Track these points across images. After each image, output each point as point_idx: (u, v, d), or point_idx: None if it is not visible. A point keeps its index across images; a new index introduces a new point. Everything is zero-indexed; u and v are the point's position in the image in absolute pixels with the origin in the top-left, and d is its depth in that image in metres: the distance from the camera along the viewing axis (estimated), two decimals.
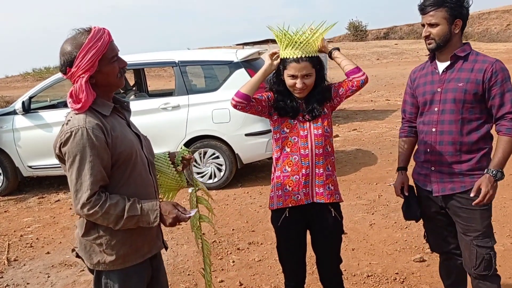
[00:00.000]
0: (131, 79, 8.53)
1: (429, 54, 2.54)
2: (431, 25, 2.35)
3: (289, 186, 2.44)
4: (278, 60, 2.42)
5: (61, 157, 1.86)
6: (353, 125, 10.15)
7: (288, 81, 2.40)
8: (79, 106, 1.82)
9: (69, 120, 1.84)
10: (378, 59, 30.98)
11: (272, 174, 2.55)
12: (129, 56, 6.77)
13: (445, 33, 2.35)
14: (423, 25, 2.41)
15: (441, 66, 2.45)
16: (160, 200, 2.15)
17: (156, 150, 2.24)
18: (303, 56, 2.34)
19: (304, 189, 2.42)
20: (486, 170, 2.35)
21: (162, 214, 1.87)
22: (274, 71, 2.46)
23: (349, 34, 46.82)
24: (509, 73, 2.40)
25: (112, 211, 1.79)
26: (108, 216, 1.79)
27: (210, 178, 6.10)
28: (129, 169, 1.91)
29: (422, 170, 2.57)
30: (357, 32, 46.19)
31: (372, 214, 4.84)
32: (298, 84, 2.36)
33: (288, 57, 2.36)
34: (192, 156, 2.23)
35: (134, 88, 8.06)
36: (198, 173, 6.10)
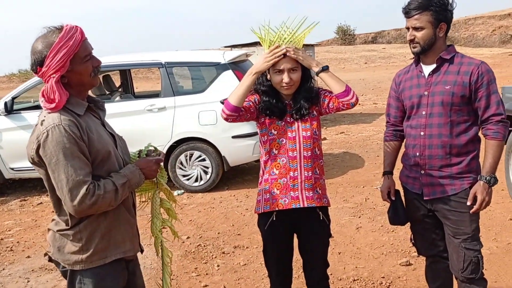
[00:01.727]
0: (117, 80, 8.43)
1: (413, 58, 2.52)
2: (416, 28, 2.32)
3: (277, 189, 2.39)
4: (279, 59, 2.26)
5: (36, 161, 1.80)
6: (340, 128, 10.16)
7: (275, 78, 2.33)
8: (53, 105, 1.77)
9: (43, 120, 1.79)
10: (366, 63, 31.17)
11: (260, 178, 2.50)
12: (115, 57, 6.70)
13: (430, 37, 2.33)
14: (407, 29, 2.38)
15: (427, 69, 2.43)
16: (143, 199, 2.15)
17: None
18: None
19: (292, 192, 2.37)
20: (479, 176, 2.35)
21: (142, 169, 1.93)
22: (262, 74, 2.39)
23: (337, 38, 47.13)
24: (494, 75, 2.39)
25: (108, 188, 1.79)
26: (108, 194, 1.78)
27: (196, 180, 6.03)
28: (105, 169, 1.87)
29: (411, 173, 2.54)
30: (346, 36, 46.53)
31: (359, 217, 4.82)
32: (285, 79, 2.29)
33: None
34: (159, 152, 2.12)
35: (120, 89, 7.96)
36: (184, 176, 6.03)
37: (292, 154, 2.36)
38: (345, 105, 2.31)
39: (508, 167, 4.97)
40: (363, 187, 5.84)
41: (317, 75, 2.34)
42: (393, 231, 4.34)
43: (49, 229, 1.97)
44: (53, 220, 1.96)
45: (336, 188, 5.84)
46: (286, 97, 2.42)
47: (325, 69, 2.33)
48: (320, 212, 2.42)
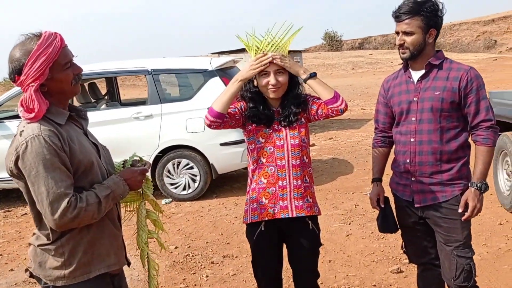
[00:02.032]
0: (103, 88, 8.34)
1: (402, 63, 2.49)
2: (406, 33, 2.29)
3: (265, 199, 2.33)
4: (265, 67, 2.22)
5: (15, 174, 1.73)
6: (329, 134, 10.16)
7: (261, 80, 2.28)
8: (32, 115, 1.70)
9: (22, 131, 1.72)
10: (353, 68, 31.37)
11: (248, 187, 2.44)
12: (101, 64, 6.62)
13: (419, 42, 2.30)
14: (397, 33, 2.34)
15: (416, 75, 2.40)
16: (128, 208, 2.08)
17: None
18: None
19: (281, 201, 2.32)
20: (470, 183, 2.33)
21: (126, 180, 1.87)
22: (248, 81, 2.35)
23: (325, 44, 47.42)
24: (483, 80, 2.37)
25: (90, 200, 1.72)
26: (91, 206, 1.71)
27: (184, 189, 5.95)
28: (88, 180, 1.80)
29: (401, 180, 2.51)
30: (333, 42, 46.85)
31: (349, 224, 4.78)
32: (272, 80, 2.24)
33: None
34: (145, 163, 2.06)
35: (106, 97, 7.87)
36: (171, 184, 5.95)
37: (280, 163, 2.31)
38: (334, 112, 2.27)
39: (497, 172, 4.98)
40: (353, 193, 5.81)
41: (305, 82, 2.30)
42: (383, 238, 4.30)
43: (29, 244, 1.90)
44: (34, 234, 1.89)
45: (326, 194, 5.80)
46: (274, 104, 2.37)
47: (313, 75, 2.28)
48: (309, 221, 2.37)
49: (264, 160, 2.33)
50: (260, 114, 2.33)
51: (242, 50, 10.62)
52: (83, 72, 1.90)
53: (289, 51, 2.36)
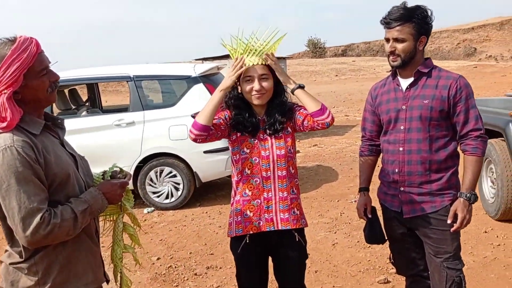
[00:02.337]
0: (84, 94, 8.18)
1: (390, 70, 2.45)
2: (397, 40, 2.24)
3: (250, 212, 2.25)
4: (241, 71, 2.16)
5: None
6: (313, 141, 10.13)
7: (245, 86, 2.20)
8: (4, 124, 1.60)
9: None
10: (336, 75, 31.56)
11: (231, 198, 2.36)
12: (82, 70, 6.48)
13: (410, 50, 2.25)
14: (387, 40, 2.29)
15: (404, 82, 2.36)
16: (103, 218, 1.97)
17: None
18: (259, 63, 2.18)
19: (266, 214, 2.24)
20: (459, 193, 2.29)
21: (105, 193, 1.77)
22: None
23: (308, 51, 47.68)
24: (472, 89, 2.34)
25: (66, 216, 1.62)
26: (66, 222, 1.61)
27: (167, 197, 5.83)
28: (64, 193, 1.70)
29: (389, 190, 2.45)
30: (316, 49, 47.11)
31: (335, 233, 4.72)
32: (256, 86, 2.17)
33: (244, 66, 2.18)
34: (126, 174, 1.96)
35: (87, 104, 7.70)
36: (154, 193, 5.82)
37: (265, 174, 2.23)
38: (320, 125, 2.20)
39: (481, 179, 4.98)
40: (338, 201, 5.76)
41: (293, 92, 2.24)
42: (369, 247, 4.24)
43: (1, 262, 1.79)
44: (6, 251, 1.78)
45: (311, 202, 5.74)
46: (259, 112, 2.30)
47: (302, 86, 2.23)
48: (296, 234, 2.30)
49: (248, 172, 2.25)
50: (245, 122, 2.25)
51: (226, 56, 10.55)
52: (63, 78, 1.81)
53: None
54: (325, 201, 5.81)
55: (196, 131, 2.15)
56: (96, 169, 2.00)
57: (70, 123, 6.11)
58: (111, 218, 2.01)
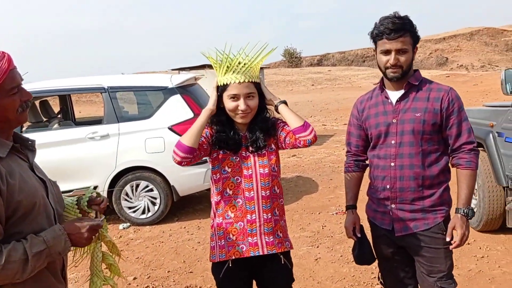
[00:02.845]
0: (56, 105, 7.91)
1: (377, 83, 2.36)
2: (401, 51, 2.14)
3: (233, 235, 2.10)
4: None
5: None
6: (292, 151, 10.03)
7: (229, 104, 2.07)
8: None
9: None
10: (313, 85, 31.77)
11: (211, 221, 2.20)
12: (54, 81, 6.24)
13: (411, 60, 2.18)
14: (386, 52, 2.16)
15: (394, 95, 2.26)
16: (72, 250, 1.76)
17: (82, 184, 1.84)
18: (246, 81, 2.06)
19: (250, 238, 2.10)
20: (456, 209, 2.21)
21: (70, 235, 1.57)
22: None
23: (284, 60, 47.96)
24: (462, 101, 2.27)
25: (13, 257, 1.42)
26: (12, 264, 1.42)
27: (143, 212, 5.62)
28: (29, 223, 1.53)
29: (379, 207, 2.35)
30: (292, 59, 47.44)
31: (317, 247, 4.61)
32: (241, 105, 2.05)
33: (228, 83, 2.07)
34: (103, 199, 1.80)
35: (59, 116, 7.44)
36: (130, 208, 5.61)
37: (248, 195, 2.09)
38: (302, 142, 2.08)
39: None
40: (319, 213, 5.66)
41: (276, 109, 2.14)
42: (353, 261, 4.14)
43: None
44: None
45: (292, 215, 5.62)
46: (241, 128, 2.16)
47: (285, 102, 2.14)
48: (281, 256, 2.17)
49: (230, 192, 2.11)
50: (228, 139, 2.12)
51: (203, 67, 10.41)
52: (34, 90, 1.65)
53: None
54: (306, 213, 5.71)
55: (182, 153, 2.01)
56: (69, 185, 1.83)
57: (41, 137, 5.98)
58: (87, 249, 1.84)
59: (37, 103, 7.03)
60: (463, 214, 2.18)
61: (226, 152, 2.13)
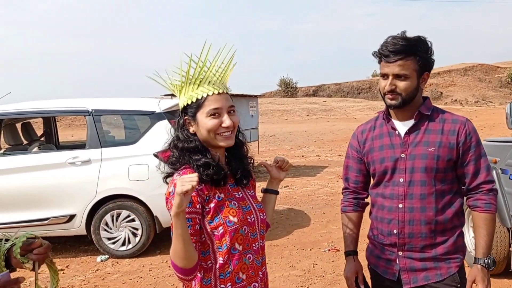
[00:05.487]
0: (39, 128, 7.61)
1: (381, 111, 2.07)
2: (399, 76, 1.87)
3: None
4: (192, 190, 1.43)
5: None
6: (284, 182, 9.70)
7: (209, 123, 1.61)
8: None
9: None
10: (308, 115, 31.73)
11: None
12: (37, 102, 5.96)
13: (413, 88, 1.89)
14: (383, 76, 1.91)
15: (402, 126, 1.97)
16: None
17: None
18: (224, 91, 1.68)
19: None
20: (475, 259, 1.91)
21: None
22: (176, 128, 1.73)
23: (280, 90, 48.18)
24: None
25: None
26: None
27: (123, 244, 5.26)
28: None
29: (383, 254, 2.03)
30: (288, 89, 47.66)
31: None
32: (227, 121, 1.62)
33: (205, 96, 1.65)
34: (41, 243, 1.47)
35: (41, 139, 7.14)
36: (109, 239, 5.26)
37: (255, 246, 1.70)
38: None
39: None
40: (310, 249, 5.33)
41: (275, 191, 1.98)
42: None
43: None
44: None
45: (281, 251, 5.28)
46: (219, 159, 1.72)
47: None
48: None
49: (240, 248, 1.63)
50: (217, 168, 1.64)
51: None
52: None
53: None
54: (296, 249, 5.37)
55: (183, 276, 1.55)
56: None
57: (17, 160, 5.67)
58: None
59: (18, 125, 6.74)
60: (484, 265, 1.88)
61: (220, 197, 1.64)
